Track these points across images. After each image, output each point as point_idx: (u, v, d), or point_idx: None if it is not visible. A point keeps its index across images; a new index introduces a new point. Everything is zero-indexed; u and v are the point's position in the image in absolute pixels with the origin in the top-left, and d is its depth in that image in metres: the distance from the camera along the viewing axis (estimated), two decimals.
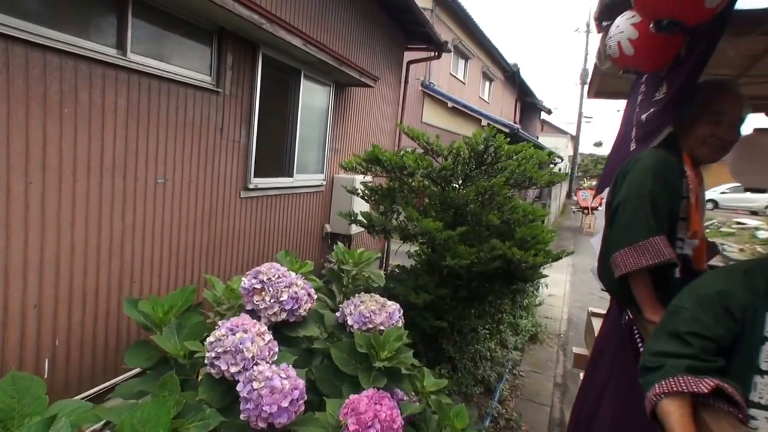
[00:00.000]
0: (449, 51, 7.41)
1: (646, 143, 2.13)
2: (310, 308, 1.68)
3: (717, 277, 1.35)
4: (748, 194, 20.56)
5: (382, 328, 1.66)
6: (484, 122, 11.91)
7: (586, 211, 15.67)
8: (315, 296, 1.71)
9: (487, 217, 3.74)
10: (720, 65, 2.95)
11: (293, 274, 1.71)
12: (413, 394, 1.82)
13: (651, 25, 1.66)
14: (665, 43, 2.06)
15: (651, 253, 1.80)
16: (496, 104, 19.03)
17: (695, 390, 1.12)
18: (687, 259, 1.96)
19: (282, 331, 1.65)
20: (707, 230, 15.68)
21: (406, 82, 7.35)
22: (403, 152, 3.81)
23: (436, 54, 7.28)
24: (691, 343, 1.23)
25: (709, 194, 23.01)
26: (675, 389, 1.14)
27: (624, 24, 2.22)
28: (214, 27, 3.29)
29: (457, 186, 3.99)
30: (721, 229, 15.64)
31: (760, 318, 1.25)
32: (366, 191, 4.09)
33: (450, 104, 12.54)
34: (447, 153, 3.81)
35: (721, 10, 1.63)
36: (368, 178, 5.03)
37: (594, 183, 30.49)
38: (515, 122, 21.15)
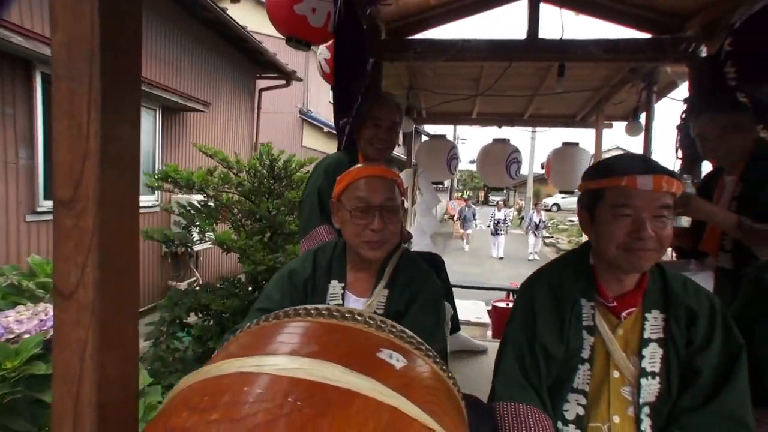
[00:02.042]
0: (299, 80, 7.45)
1: None
2: None
3: (296, 260, 1.42)
4: None
5: (27, 336, 1.51)
6: None
7: (454, 218, 16.65)
8: None
9: (289, 226, 3.76)
10: (443, 86, 3.25)
11: None
12: None
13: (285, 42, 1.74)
14: None
15: (317, 240, 1.87)
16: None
17: None
18: None
19: None
20: (547, 227, 17.22)
21: (259, 108, 7.25)
22: (205, 170, 3.69)
23: (286, 82, 7.29)
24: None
25: (554, 199, 25.70)
26: None
27: (322, 46, 2.33)
28: None
29: (266, 199, 3.95)
30: (559, 227, 17.46)
31: (319, 288, 1.32)
32: (179, 209, 3.89)
33: (326, 129, 12.64)
34: (248, 169, 3.76)
35: (341, 34, 1.75)
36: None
37: (470, 194, 32.44)
38: (398, 144, 21.88)
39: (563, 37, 2.49)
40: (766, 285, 1.14)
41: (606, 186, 1.06)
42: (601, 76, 3.14)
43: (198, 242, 3.71)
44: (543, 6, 2.59)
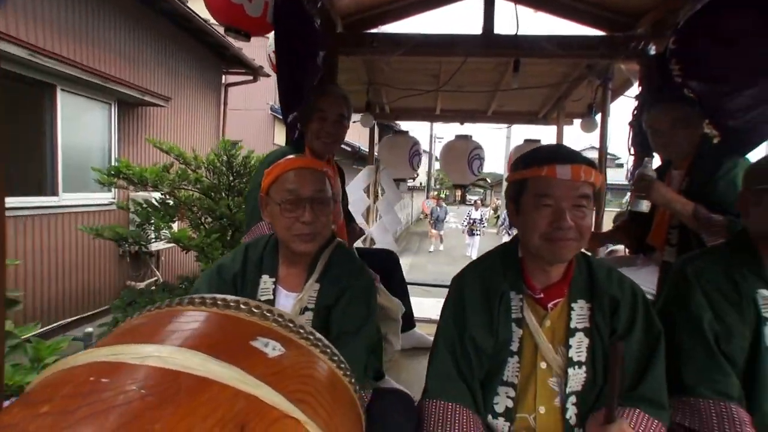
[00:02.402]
0: (267, 75, 7.34)
1: None
2: None
3: (227, 255, 1.41)
4: None
5: None
6: None
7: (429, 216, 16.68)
8: None
9: None
10: (403, 82, 3.25)
11: None
12: None
13: (224, 30, 1.70)
14: None
15: (258, 236, 1.84)
16: (354, 127, 19.50)
17: None
18: None
19: None
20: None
21: (225, 103, 7.13)
22: (160, 166, 3.60)
23: (253, 78, 7.19)
24: None
25: None
26: None
27: (272, 37, 2.29)
28: None
29: (225, 196, 3.88)
30: None
31: (249, 282, 1.31)
32: (135, 206, 3.80)
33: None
34: (206, 165, 3.69)
35: (281, 25, 1.72)
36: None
37: (446, 193, 32.64)
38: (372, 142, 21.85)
39: (518, 33, 2.53)
40: (688, 277, 1.16)
41: (528, 176, 1.08)
42: (559, 72, 3.20)
43: (153, 240, 3.62)
44: (499, 2, 2.61)
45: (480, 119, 3.80)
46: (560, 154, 1.06)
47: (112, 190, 4.76)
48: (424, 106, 3.63)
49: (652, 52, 2.60)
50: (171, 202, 3.80)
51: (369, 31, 2.76)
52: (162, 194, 3.78)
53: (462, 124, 3.78)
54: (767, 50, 1.70)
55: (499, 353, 1.10)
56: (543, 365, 1.09)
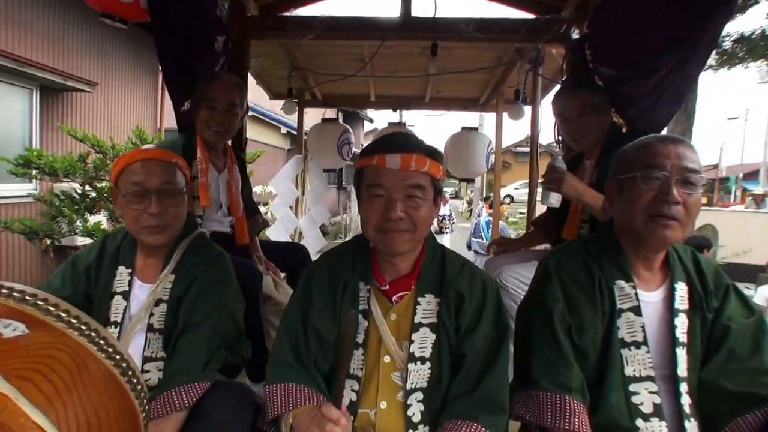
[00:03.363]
0: None
1: None
2: None
3: (85, 248, 1.43)
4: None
5: None
6: (284, 130, 12.00)
7: None
8: None
9: None
10: (326, 67, 3.28)
11: None
12: None
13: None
14: None
15: None
16: (316, 115, 19.33)
17: None
18: (227, 235, 2.06)
19: None
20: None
21: (163, 89, 7.00)
22: (74, 155, 3.54)
23: None
24: None
25: (507, 190, 26.17)
26: None
27: None
28: None
29: None
30: (509, 219, 17.97)
31: (105, 274, 1.34)
32: (52, 198, 3.74)
33: (249, 113, 12.33)
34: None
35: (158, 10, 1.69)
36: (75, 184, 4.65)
37: None
38: (300, 129, 21.63)
39: (436, 16, 2.58)
40: (549, 269, 1.17)
41: (363, 165, 1.10)
42: (491, 57, 3.27)
43: (67, 234, 3.56)
44: None
45: (417, 106, 3.85)
46: (392, 142, 1.08)
47: (34, 181, 4.65)
48: (356, 92, 3.65)
49: (575, 36, 2.69)
50: (94, 194, 3.75)
51: (285, 14, 2.78)
52: (80, 185, 3.72)
53: (395, 110, 3.82)
54: (665, 36, 1.80)
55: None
56: (387, 359, 1.11)
